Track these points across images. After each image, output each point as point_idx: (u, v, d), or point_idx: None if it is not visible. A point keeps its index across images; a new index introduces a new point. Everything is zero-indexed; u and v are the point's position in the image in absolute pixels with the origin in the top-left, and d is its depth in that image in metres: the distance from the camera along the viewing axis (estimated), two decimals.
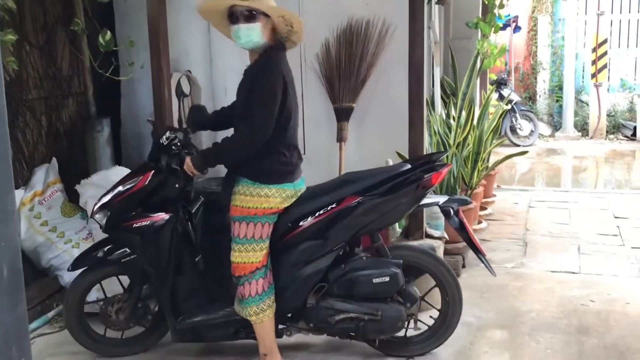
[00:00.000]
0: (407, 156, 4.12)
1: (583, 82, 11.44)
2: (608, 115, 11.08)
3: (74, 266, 3.29)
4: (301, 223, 3.08)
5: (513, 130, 10.27)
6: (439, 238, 4.00)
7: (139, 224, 3.14)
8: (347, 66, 4.47)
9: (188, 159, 3.04)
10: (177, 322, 3.20)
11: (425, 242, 3.55)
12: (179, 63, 4.57)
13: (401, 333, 3.27)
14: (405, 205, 3.15)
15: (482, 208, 5.17)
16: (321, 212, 3.08)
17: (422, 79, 3.94)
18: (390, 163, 4.43)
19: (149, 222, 3.14)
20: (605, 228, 5.53)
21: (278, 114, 2.92)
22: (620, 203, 6.39)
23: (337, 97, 4.52)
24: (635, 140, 10.46)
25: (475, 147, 4.72)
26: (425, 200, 3.21)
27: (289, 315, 3.21)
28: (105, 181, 3.73)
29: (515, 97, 10.13)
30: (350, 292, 3.12)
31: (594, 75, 10.98)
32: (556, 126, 11.48)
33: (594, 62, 10.98)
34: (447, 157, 3.32)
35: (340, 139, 4.45)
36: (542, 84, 11.81)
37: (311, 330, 3.22)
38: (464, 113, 4.77)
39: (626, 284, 4.27)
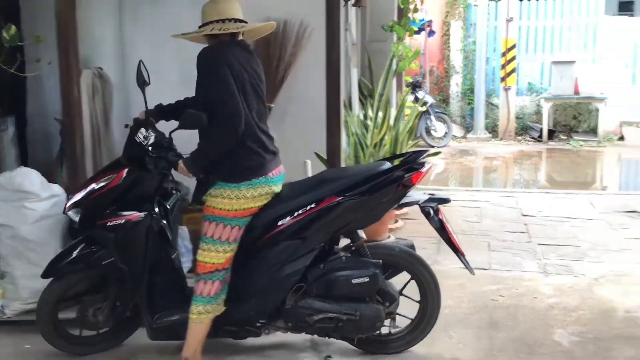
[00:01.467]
0: (325, 157, 4.14)
1: (493, 85, 11.88)
2: (517, 118, 11.56)
3: (46, 274, 3.19)
4: (280, 222, 3.05)
5: (428, 131, 10.55)
6: None
7: (113, 223, 3.11)
8: (265, 66, 4.43)
9: (181, 164, 2.99)
10: (153, 321, 3.18)
11: (403, 241, 3.55)
12: (90, 59, 4.40)
13: (382, 330, 3.28)
14: (386, 204, 3.16)
15: (399, 207, 5.25)
16: (300, 212, 3.05)
17: (339, 80, 3.97)
18: (309, 164, 4.46)
19: (123, 220, 3.11)
20: (513, 226, 5.75)
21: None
22: (527, 201, 6.67)
23: None
24: (541, 141, 10.97)
25: (391, 148, 4.80)
26: (405, 200, 3.20)
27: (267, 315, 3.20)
28: (10, 183, 3.54)
29: (430, 100, 10.41)
30: (329, 292, 3.11)
31: (503, 79, 11.44)
32: (468, 128, 11.88)
33: (503, 66, 11.43)
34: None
35: None
36: (455, 87, 12.18)
37: (289, 329, 3.21)
38: (380, 114, 4.85)
39: (533, 279, 4.46)
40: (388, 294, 3.19)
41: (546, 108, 10.98)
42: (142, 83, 3.18)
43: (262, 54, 4.43)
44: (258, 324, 3.18)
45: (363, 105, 5.38)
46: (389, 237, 4.77)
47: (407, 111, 6.02)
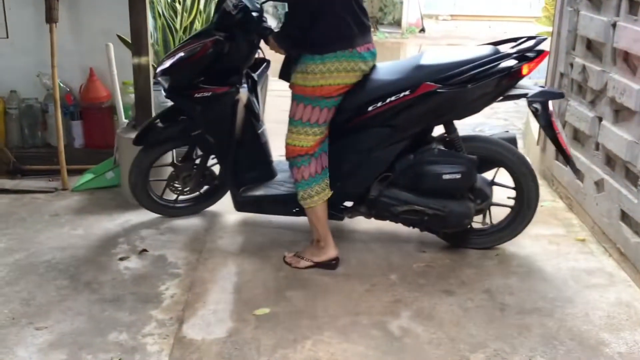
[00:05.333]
0: (129, 40, 3.77)
1: None
2: None
3: (137, 141, 3.31)
4: (370, 108, 2.83)
5: None
6: None
7: (200, 95, 3.05)
8: None
9: (272, 39, 2.88)
10: (238, 194, 3.18)
11: (504, 134, 3.21)
12: None
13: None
14: (489, 96, 2.85)
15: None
16: (392, 98, 2.79)
17: None
18: (111, 47, 4.04)
19: (210, 93, 3.05)
20: None
21: None
22: None
23: None
24: None
25: None
26: (512, 92, 2.87)
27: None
28: None
29: None
30: (417, 185, 2.92)
31: None
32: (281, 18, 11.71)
33: None
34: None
35: (50, 19, 3.88)
36: None
37: (373, 216, 3.07)
38: None
39: None
40: (481, 192, 3.00)
41: None
42: None
43: None
44: (341, 207, 3.08)
45: None
46: None
47: None
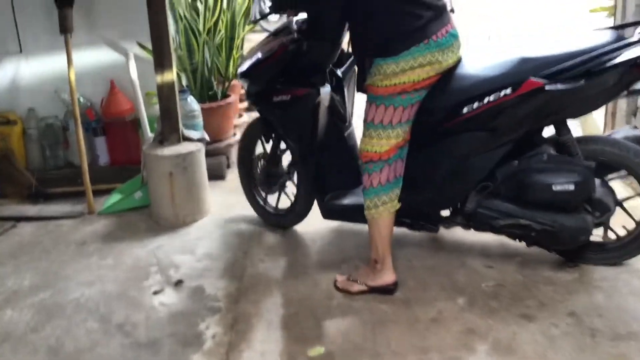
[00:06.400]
0: (149, 46, 3.48)
1: None
2: None
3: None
4: (464, 110, 2.44)
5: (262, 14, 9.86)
6: (199, 140, 3.50)
7: (278, 99, 2.83)
8: None
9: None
10: (324, 201, 2.93)
11: (630, 132, 2.68)
12: None
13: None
14: (609, 91, 2.41)
15: (242, 100, 4.75)
16: (491, 98, 2.39)
17: None
18: (132, 56, 3.76)
19: (289, 96, 2.81)
20: None
21: None
22: None
23: None
24: None
25: (228, 33, 4.19)
26: (637, 85, 2.40)
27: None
28: None
29: None
30: (522, 196, 2.51)
31: None
32: None
33: None
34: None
35: (65, 29, 3.60)
36: None
37: (472, 228, 2.71)
38: None
39: None
40: (600, 203, 2.54)
41: None
42: None
43: None
44: (436, 218, 2.75)
45: None
46: (234, 134, 4.27)
47: None
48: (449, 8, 2.52)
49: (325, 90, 2.83)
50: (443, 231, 2.95)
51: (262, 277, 2.86)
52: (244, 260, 3.01)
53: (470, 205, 2.60)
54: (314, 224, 3.21)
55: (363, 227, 2.79)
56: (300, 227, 3.26)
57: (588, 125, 4.23)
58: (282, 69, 2.81)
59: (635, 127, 2.92)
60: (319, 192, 2.96)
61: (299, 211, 3.17)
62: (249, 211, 3.48)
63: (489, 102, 2.40)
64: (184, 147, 3.39)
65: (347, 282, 2.70)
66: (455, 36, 2.48)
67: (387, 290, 2.63)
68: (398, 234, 2.87)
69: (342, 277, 2.74)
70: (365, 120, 2.55)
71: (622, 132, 2.71)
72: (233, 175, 4.06)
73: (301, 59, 2.76)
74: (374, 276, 2.65)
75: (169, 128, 3.41)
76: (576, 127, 4.27)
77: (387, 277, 2.63)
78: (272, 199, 3.32)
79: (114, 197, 3.66)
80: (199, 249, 3.14)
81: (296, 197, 3.16)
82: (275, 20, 9.91)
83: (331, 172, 2.92)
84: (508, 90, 2.37)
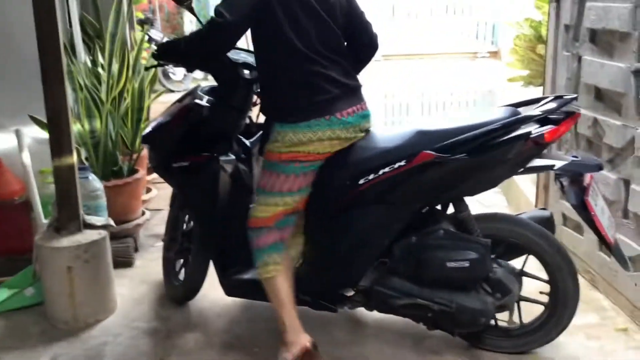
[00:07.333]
0: (44, 120, 3.05)
1: None
2: None
3: None
4: (361, 181, 2.34)
5: (166, 75, 9.49)
6: (104, 227, 3.05)
7: (177, 164, 2.72)
8: None
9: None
10: (224, 277, 2.74)
11: (536, 212, 2.64)
12: None
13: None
14: (505, 168, 2.34)
15: (149, 172, 4.33)
16: (386, 169, 2.31)
17: (55, 16, 2.86)
18: (22, 133, 3.31)
19: (188, 162, 2.70)
20: None
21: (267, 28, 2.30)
22: None
23: None
24: None
25: (136, 102, 3.81)
26: (535, 163, 2.34)
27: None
28: None
29: (160, 38, 9.30)
30: (419, 274, 2.41)
31: None
32: None
33: None
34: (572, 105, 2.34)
35: None
36: (190, 25, 11.20)
37: (373, 309, 2.57)
38: (114, 61, 3.78)
39: None
40: (500, 284, 2.42)
41: None
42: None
43: None
44: (336, 298, 2.58)
45: (90, 49, 4.23)
46: (143, 213, 3.84)
47: (143, 55, 4.98)
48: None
49: (228, 159, 2.72)
50: None
51: None
52: None
53: (365, 282, 2.50)
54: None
55: None
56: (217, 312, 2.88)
57: (515, 198, 4.15)
58: (183, 133, 2.70)
59: (544, 209, 2.86)
60: (221, 266, 2.78)
61: (190, 285, 3.01)
62: (162, 304, 3.09)
63: (384, 173, 2.34)
64: (85, 236, 2.94)
65: None
66: (365, 117, 2.43)
67: (311, 356, 2.41)
68: None
69: None
70: (257, 187, 2.53)
71: (533, 211, 2.70)
72: (142, 260, 3.63)
73: (205, 125, 2.68)
74: (288, 348, 2.42)
75: (67, 215, 2.95)
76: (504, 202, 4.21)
77: (301, 341, 2.41)
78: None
79: (1, 294, 3.12)
80: (104, 358, 2.68)
81: (188, 269, 3.01)
82: (180, 80, 9.58)
83: (234, 246, 2.70)
84: (402, 162, 2.31)
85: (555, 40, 3.32)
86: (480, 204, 4.18)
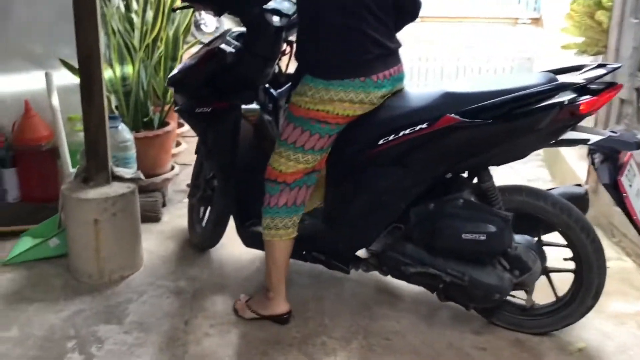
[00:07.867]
0: (75, 64, 2.91)
1: None
2: None
3: None
4: (380, 141, 2.24)
5: (197, 26, 9.29)
6: (132, 180, 2.93)
7: (200, 110, 2.64)
8: None
9: None
10: (243, 228, 2.70)
11: (570, 188, 2.48)
12: None
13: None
14: (535, 139, 2.18)
15: (180, 125, 4.20)
16: (407, 131, 2.19)
17: None
18: (52, 77, 3.18)
19: (209, 108, 2.62)
20: None
21: None
22: None
23: None
24: None
25: (169, 51, 3.65)
26: (568, 135, 2.19)
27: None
28: None
29: None
30: (433, 242, 2.30)
31: None
32: None
33: None
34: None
35: None
36: None
37: (387, 274, 2.49)
38: (149, 7, 3.61)
39: None
40: (518, 260, 2.30)
41: None
42: None
43: None
44: (349, 259, 2.51)
45: None
46: (172, 167, 3.72)
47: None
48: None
49: (253, 108, 2.67)
50: None
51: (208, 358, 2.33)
52: (186, 334, 2.47)
53: (377, 246, 2.42)
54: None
55: None
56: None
57: (560, 173, 3.95)
58: (206, 78, 2.62)
59: (579, 185, 2.67)
60: (240, 217, 2.73)
61: (210, 233, 3.02)
62: (189, 262, 2.99)
63: (404, 135, 2.22)
64: (113, 189, 2.82)
65: (243, 306, 2.56)
66: (400, 79, 2.32)
67: (279, 320, 2.49)
68: None
69: (245, 297, 2.61)
70: (278, 138, 2.40)
71: (567, 187, 2.53)
72: (170, 216, 3.53)
73: (231, 72, 2.57)
74: (265, 304, 2.51)
75: (95, 165, 2.83)
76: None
77: (279, 307, 2.49)
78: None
79: (24, 243, 3.04)
80: (128, 316, 2.58)
81: (210, 217, 3.01)
82: (211, 32, 9.39)
83: (253, 197, 2.61)
84: (424, 125, 2.19)
85: (623, 5, 3.08)
86: (521, 177, 4.01)
